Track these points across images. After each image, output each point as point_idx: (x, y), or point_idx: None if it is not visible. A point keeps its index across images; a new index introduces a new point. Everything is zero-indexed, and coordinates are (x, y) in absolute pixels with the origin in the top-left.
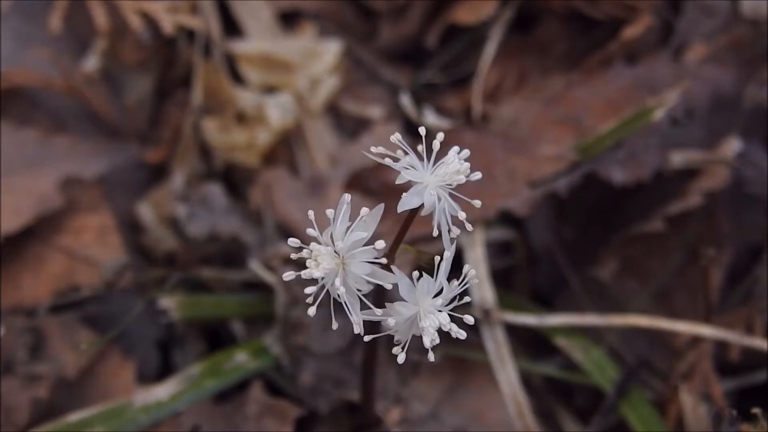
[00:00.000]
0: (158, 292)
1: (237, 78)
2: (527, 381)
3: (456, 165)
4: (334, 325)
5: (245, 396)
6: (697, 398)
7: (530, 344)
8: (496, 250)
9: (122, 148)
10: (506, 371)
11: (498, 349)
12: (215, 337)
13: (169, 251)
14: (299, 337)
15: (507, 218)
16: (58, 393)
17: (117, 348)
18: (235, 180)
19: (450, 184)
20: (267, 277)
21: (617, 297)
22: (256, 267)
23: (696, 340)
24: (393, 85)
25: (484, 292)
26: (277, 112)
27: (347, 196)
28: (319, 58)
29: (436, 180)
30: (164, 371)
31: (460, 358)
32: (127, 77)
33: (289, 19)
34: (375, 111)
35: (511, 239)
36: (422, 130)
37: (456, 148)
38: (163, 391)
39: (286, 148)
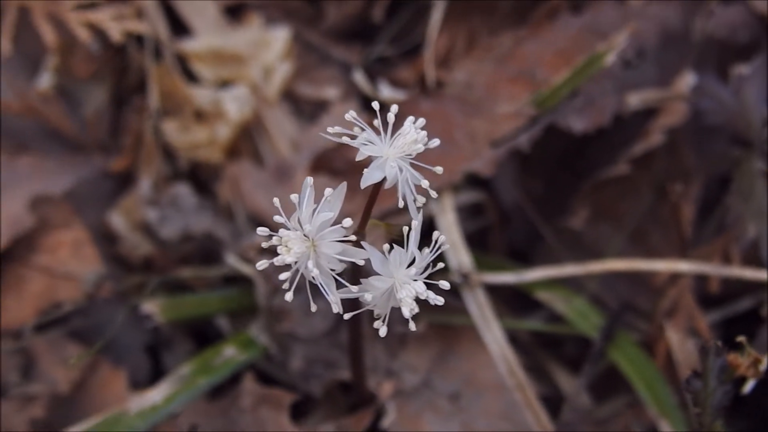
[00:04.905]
0: (140, 298)
1: (191, 77)
2: (515, 338)
3: (413, 135)
4: (313, 308)
5: (238, 389)
6: (683, 334)
7: (513, 302)
8: (468, 214)
9: (86, 161)
10: (492, 331)
11: (481, 310)
12: (202, 335)
13: (146, 256)
14: (284, 324)
15: (475, 180)
16: (54, 410)
17: (107, 358)
18: (201, 178)
19: (410, 154)
20: (244, 269)
21: (593, 244)
22: (232, 261)
23: (675, 277)
24: (345, 63)
25: (460, 256)
26: (235, 105)
27: (310, 179)
28: (269, 46)
29: (395, 152)
30: (156, 375)
31: (446, 325)
32: (82, 90)
33: (234, 12)
34: (331, 92)
35: (482, 201)
36: (376, 105)
37: (411, 118)
38: (156, 394)
39: (248, 140)
